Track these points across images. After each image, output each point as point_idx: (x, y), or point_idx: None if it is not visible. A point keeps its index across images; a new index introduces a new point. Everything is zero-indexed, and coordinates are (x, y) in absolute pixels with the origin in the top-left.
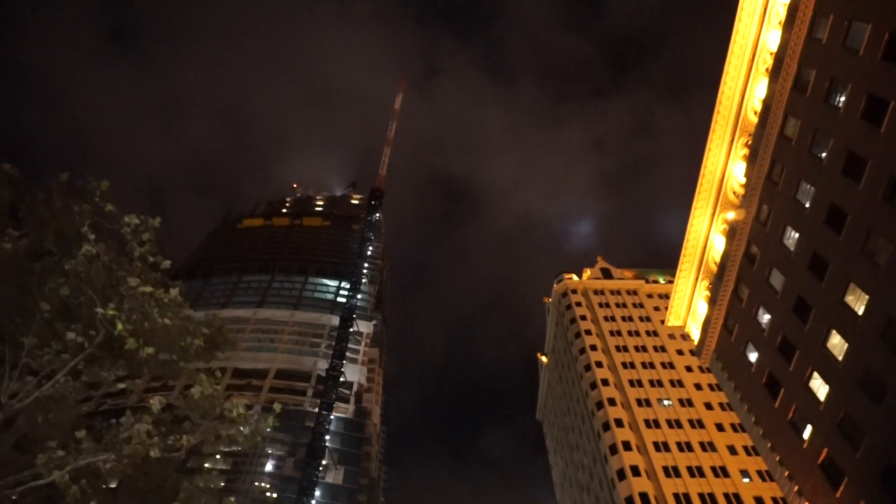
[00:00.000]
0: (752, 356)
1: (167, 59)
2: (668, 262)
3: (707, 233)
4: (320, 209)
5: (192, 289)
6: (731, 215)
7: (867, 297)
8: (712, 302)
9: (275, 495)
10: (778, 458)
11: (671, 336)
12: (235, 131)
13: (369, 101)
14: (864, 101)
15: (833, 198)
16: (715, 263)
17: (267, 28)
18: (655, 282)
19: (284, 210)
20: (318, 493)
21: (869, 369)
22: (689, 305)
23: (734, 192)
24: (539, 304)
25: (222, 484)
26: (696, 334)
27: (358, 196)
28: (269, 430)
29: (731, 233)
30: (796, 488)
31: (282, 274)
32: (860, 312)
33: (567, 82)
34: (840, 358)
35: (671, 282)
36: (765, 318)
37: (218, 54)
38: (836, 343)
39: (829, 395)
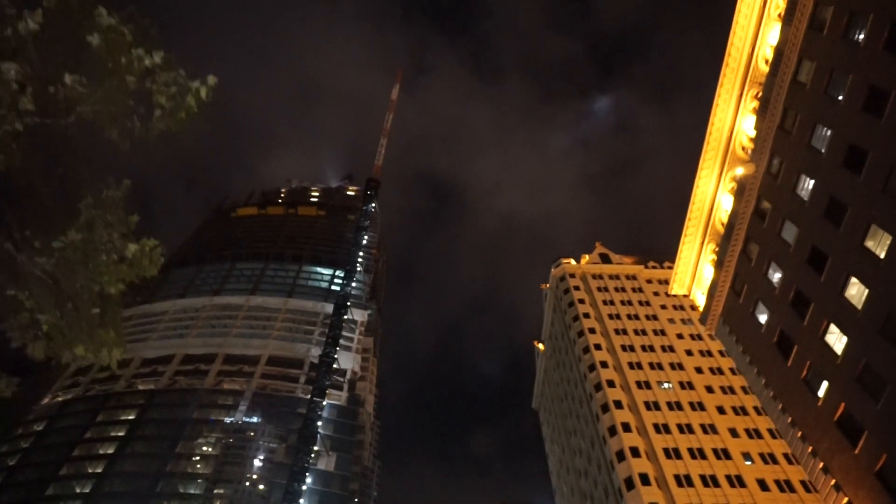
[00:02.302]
0: (762, 316)
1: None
2: (654, 259)
3: (714, 193)
4: (315, 200)
5: (184, 276)
6: (740, 171)
7: (890, 238)
8: (719, 265)
9: (262, 487)
10: (790, 420)
11: (671, 321)
12: (223, 128)
13: (357, 100)
14: (887, 31)
15: (852, 138)
16: (722, 224)
17: (254, 25)
18: (655, 267)
19: (279, 200)
20: (309, 479)
21: (892, 314)
22: (693, 272)
23: (743, 148)
24: (527, 301)
25: (207, 470)
26: (701, 300)
27: (354, 188)
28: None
29: (740, 190)
30: (810, 449)
31: (275, 262)
32: (882, 255)
33: (553, 81)
34: (859, 307)
35: (671, 268)
36: (776, 274)
37: (204, 51)
38: (855, 292)
39: (846, 348)
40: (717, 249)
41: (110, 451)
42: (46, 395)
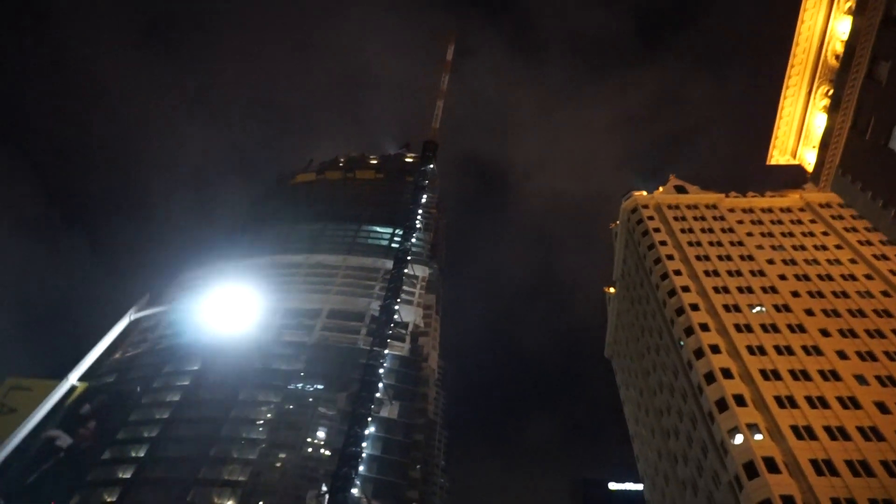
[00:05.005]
0: None
1: (201, 52)
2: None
3: (824, 24)
4: (373, 165)
5: (244, 237)
6: None
7: None
8: (835, 106)
9: (326, 452)
10: None
11: (759, 247)
12: (272, 120)
13: (402, 86)
14: None
15: None
16: (836, 57)
17: (295, 15)
18: (737, 197)
19: (338, 166)
20: (372, 427)
21: None
22: (798, 129)
23: None
24: (580, 280)
25: (270, 416)
26: (810, 159)
27: (412, 155)
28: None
29: (861, 2)
30: None
31: (334, 222)
32: None
33: (597, 56)
34: None
35: (755, 196)
36: None
37: (249, 46)
38: None
39: None
40: (830, 90)
41: (176, 398)
42: (118, 351)
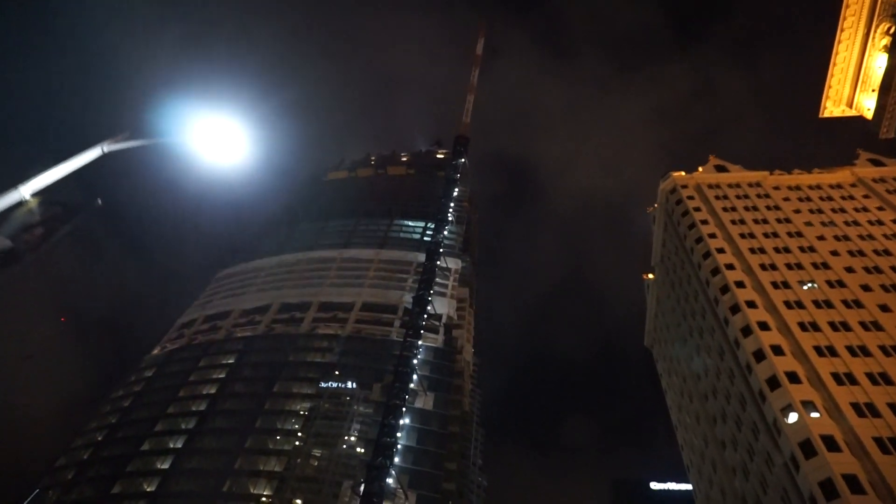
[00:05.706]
0: None
1: (234, 55)
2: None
3: None
4: (405, 161)
5: (278, 235)
6: None
7: None
8: None
9: (361, 450)
10: None
11: (808, 223)
12: (304, 121)
13: (431, 84)
14: None
15: None
16: None
17: (324, 22)
18: (782, 174)
19: (369, 163)
20: (407, 419)
21: None
22: (855, 77)
23: None
24: (615, 277)
25: (304, 413)
26: (869, 106)
27: (443, 151)
28: None
29: None
30: None
31: (366, 217)
32: None
33: (628, 51)
34: None
35: (801, 173)
36: None
37: (279, 51)
38: None
39: None
40: (891, 27)
41: (212, 391)
42: (156, 347)
